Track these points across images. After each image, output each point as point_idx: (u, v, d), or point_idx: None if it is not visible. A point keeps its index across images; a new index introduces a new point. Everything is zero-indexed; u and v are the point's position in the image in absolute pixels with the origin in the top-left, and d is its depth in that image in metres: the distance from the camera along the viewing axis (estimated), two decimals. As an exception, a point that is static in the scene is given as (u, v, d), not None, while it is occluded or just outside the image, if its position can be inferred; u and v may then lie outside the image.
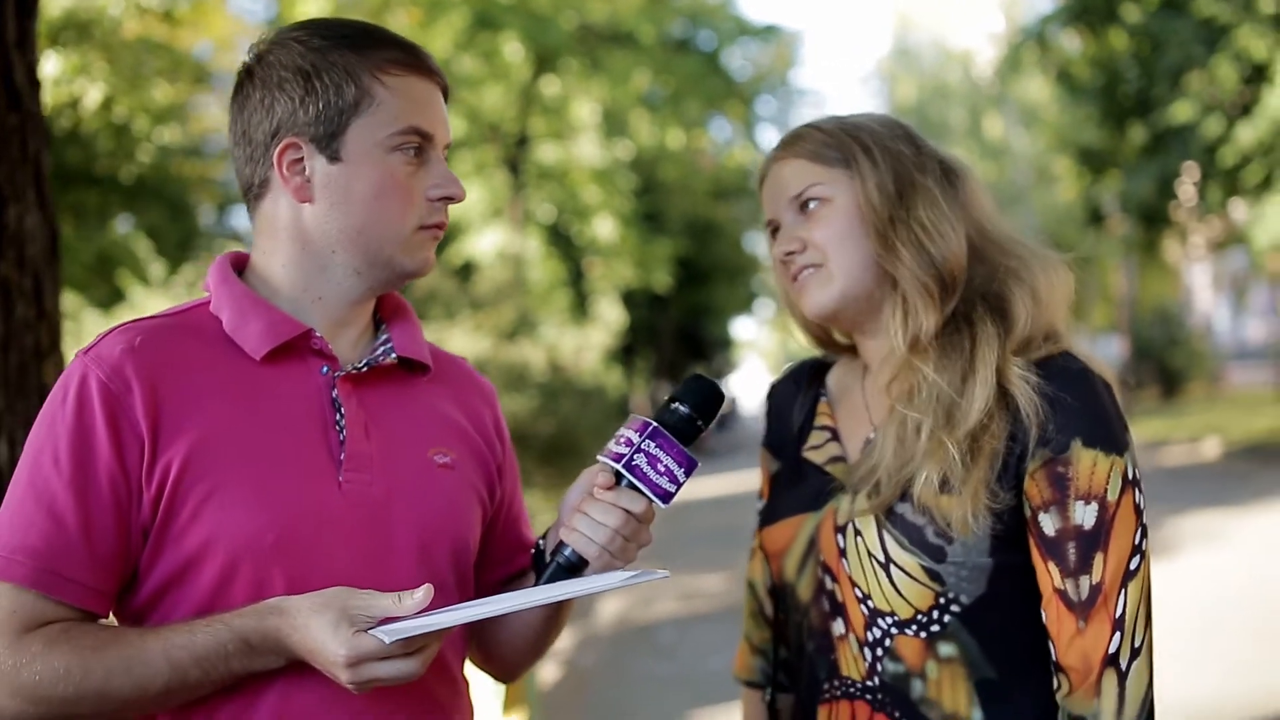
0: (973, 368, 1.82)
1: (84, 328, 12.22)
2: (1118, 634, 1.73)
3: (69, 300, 12.50)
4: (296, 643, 1.56)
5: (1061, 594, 1.75)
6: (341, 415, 1.74)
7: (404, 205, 1.73)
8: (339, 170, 1.71)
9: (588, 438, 13.93)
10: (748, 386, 78.23)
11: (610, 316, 26.92)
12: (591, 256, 27.90)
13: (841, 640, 1.88)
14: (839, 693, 1.88)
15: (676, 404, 1.75)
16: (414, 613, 1.54)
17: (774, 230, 1.98)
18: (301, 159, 1.72)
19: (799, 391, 2.11)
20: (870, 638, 1.84)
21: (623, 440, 1.73)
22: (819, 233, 1.89)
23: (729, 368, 56.30)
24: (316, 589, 1.61)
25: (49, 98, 11.35)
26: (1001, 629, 1.80)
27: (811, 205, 1.91)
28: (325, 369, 1.76)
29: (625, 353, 31.05)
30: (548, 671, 9.41)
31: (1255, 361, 35.19)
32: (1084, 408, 1.78)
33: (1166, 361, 32.03)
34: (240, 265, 1.84)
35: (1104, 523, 1.74)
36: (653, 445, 1.71)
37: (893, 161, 1.89)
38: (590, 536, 1.71)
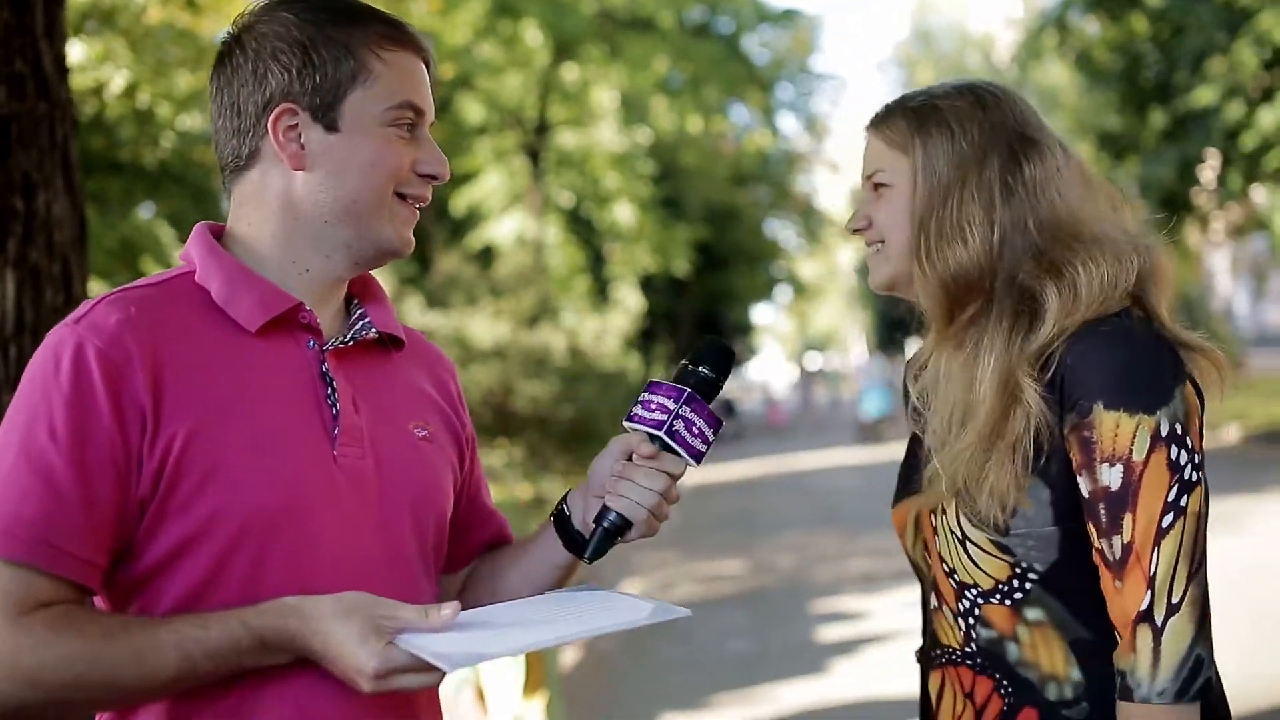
0: (984, 371, 1.88)
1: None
2: (1149, 591, 1.76)
3: (94, 286, 12.59)
4: (316, 646, 1.56)
5: (1100, 553, 1.81)
6: (333, 389, 1.75)
7: (394, 176, 1.76)
8: (336, 140, 1.73)
9: (607, 422, 13.95)
10: (767, 372, 78.55)
11: (630, 302, 26.95)
12: (611, 242, 27.93)
13: (936, 613, 1.99)
14: (943, 660, 1.98)
15: (700, 367, 1.83)
16: (437, 628, 1.56)
17: None
18: (297, 125, 1.72)
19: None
20: (961, 608, 1.93)
21: (656, 407, 1.80)
22: (881, 213, 2.01)
23: (748, 353, 56.32)
24: (315, 564, 1.64)
25: (73, 85, 11.42)
26: (1086, 590, 1.85)
27: (879, 188, 2.02)
28: (311, 343, 1.76)
29: (645, 338, 31.06)
30: (568, 655, 9.46)
31: (1275, 348, 34.93)
32: (1106, 369, 1.80)
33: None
34: (216, 236, 1.82)
35: (1130, 483, 1.77)
36: (689, 410, 1.79)
37: (956, 150, 1.94)
38: (637, 501, 1.79)
